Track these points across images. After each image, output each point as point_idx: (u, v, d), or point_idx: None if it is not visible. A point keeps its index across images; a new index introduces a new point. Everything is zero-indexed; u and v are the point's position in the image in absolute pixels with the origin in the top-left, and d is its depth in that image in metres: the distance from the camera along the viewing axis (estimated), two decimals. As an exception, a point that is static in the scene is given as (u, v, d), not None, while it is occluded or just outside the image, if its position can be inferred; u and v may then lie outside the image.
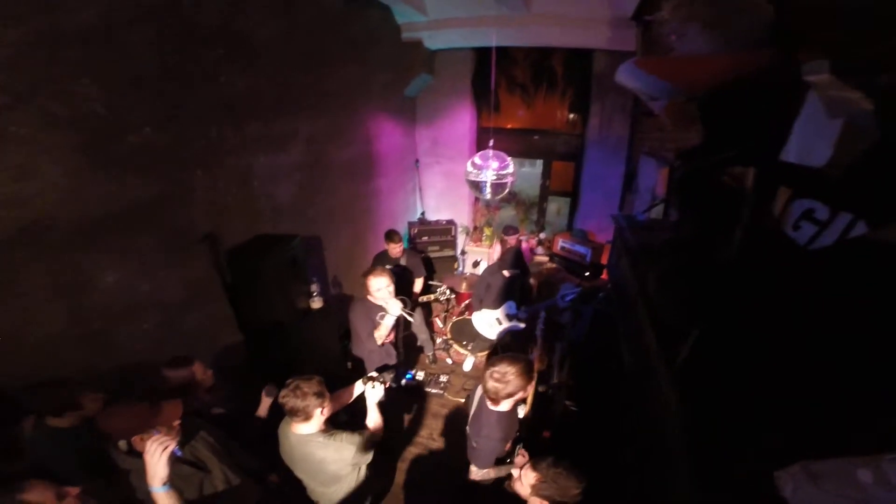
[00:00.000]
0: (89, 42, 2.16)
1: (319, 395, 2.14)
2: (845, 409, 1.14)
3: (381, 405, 2.56)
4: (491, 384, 2.27)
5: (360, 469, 2.40)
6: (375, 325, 3.32)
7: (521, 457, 2.45)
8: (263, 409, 2.67)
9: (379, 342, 3.36)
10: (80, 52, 2.13)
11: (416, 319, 4.61)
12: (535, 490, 1.90)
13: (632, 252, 2.47)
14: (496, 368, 2.28)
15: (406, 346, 4.95)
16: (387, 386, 2.59)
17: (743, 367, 1.33)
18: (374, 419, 2.50)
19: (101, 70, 2.23)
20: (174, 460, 1.70)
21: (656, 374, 1.65)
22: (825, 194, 1.30)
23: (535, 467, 1.94)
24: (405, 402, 4.35)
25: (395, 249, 4.59)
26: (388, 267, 4.00)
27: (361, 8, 4.55)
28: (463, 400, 4.41)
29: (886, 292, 1.10)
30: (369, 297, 3.31)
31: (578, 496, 1.83)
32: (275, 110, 3.54)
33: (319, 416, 2.17)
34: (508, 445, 2.50)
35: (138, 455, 1.78)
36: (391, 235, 4.56)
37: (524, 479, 1.95)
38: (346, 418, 2.72)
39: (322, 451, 2.18)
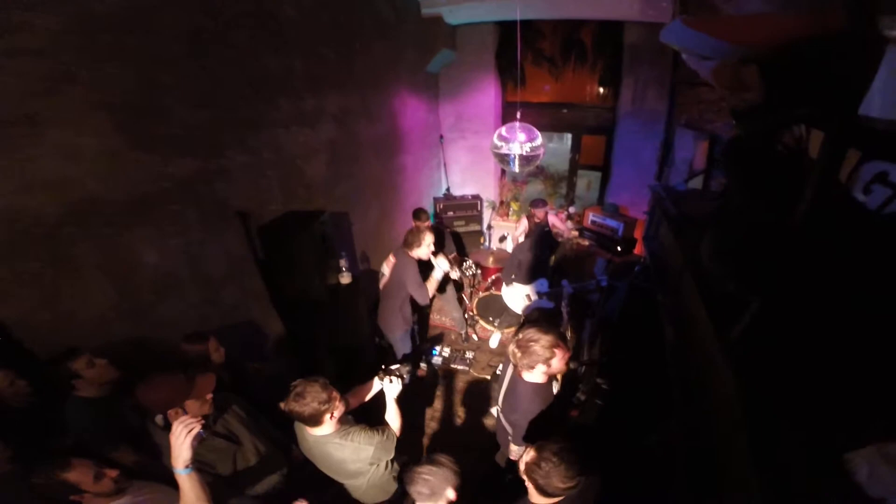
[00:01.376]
0: (120, 26, 2.16)
1: (325, 400, 1.97)
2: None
3: (404, 392, 2.48)
4: (512, 349, 2.24)
5: (381, 464, 2.30)
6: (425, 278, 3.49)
7: None
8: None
9: (431, 294, 3.51)
10: (112, 37, 2.13)
11: (447, 295, 4.63)
12: (526, 469, 1.80)
13: (674, 221, 2.36)
14: (523, 334, 2.22)
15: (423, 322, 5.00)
16: (405, 381, 2.45)
17: (807, 342, 1.25)
18: (393, 415, 2.39)
19: (134, 53, 2.24)
20: (202, 439, 1.69)
21: (705, 347, 1.57)
22: None
23: (538, 447, 1.81)
24: (431, 379, 4.39)
25: (422, 227, 4.56)
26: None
27: None
28: (489, 377, 4.41)
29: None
30: (407, 251, 3.45)
31: (564, 491, 1.71)
32: (305, 88, 3.53)
33: (330, 420, 2.03)
34: None
35: None
36: (418, 214, 4.58)
37: (525, 456, 1.85)
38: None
39: (339, 453, 2.10)
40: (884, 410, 1.09)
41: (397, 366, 2.48)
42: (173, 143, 2.50)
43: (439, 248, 4.68)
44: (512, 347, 2.24)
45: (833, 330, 1.24)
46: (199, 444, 1.66)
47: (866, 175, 1.27)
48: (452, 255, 3.91)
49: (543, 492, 1.74)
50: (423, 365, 4.38)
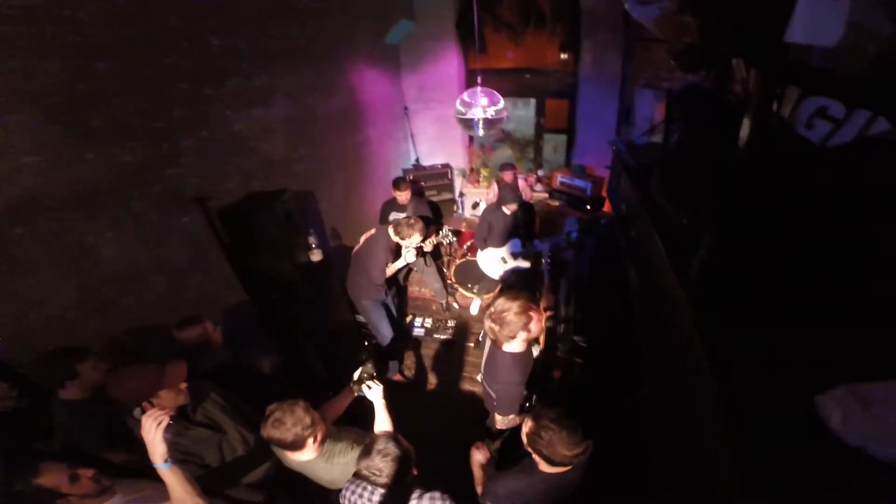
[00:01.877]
0: (40, 17, 2.03)
1: (308, 425, 1.84)
2: (877, 319, 1.06)
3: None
4: (488, 324, 2.15)
5: None
6: (391, 260, 3.56)
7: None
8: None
9: (388, 274, 3.60)
10: (33, 27, 2.01)
11: (427, 267, 4.69)
12: (528, 441, 1.76)
13: (633, 171, 2.40)
14: (492, 308, 2.15)
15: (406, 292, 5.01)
16: (376, 380, 2.30)
17: (762, 275, 1.28)
18: (384, 420, 2.21)
19: (56, 44, 2.10)
20: (178, 431, 1.67)
21: (666, 290, 1.61)
22: (838, 92, 1.23)
23: (534, 415, 1.77)
24: (415, 351, 4.43)
25: (403, 197, 4.60)
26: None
27: None
28: (472, 344, 4.47)
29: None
30: (390, 232, 3.47)
31: (570, 458, 1.67)
32: (253, 66, 3.41)
33: (313, 444, 1.89)
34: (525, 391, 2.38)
35: None
36: (398, 183, 4.56)
37: (524, 427, 1.81)
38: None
39: (328, 475, 2.00)
40: (850, 347, 1.05)
41: (359, 370, 2.34)
42: (114, 132, 2.39)
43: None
44: (488, 323, 2.16)
45: (788, 260, 1.28)
46: (177, 435, 1.63)
47: (807, 110, 1.30)
48: (429, 230, 3.92)
49: (551, 461, 1.71)
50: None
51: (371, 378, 2.28)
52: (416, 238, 3.44)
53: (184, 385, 1.97)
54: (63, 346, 2.05)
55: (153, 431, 1.59)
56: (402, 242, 3.50)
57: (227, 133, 3.19)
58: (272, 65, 3.62)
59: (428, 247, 4.10)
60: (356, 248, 3.74)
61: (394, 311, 4.12)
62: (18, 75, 1.97)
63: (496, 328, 2.13)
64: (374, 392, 2.24)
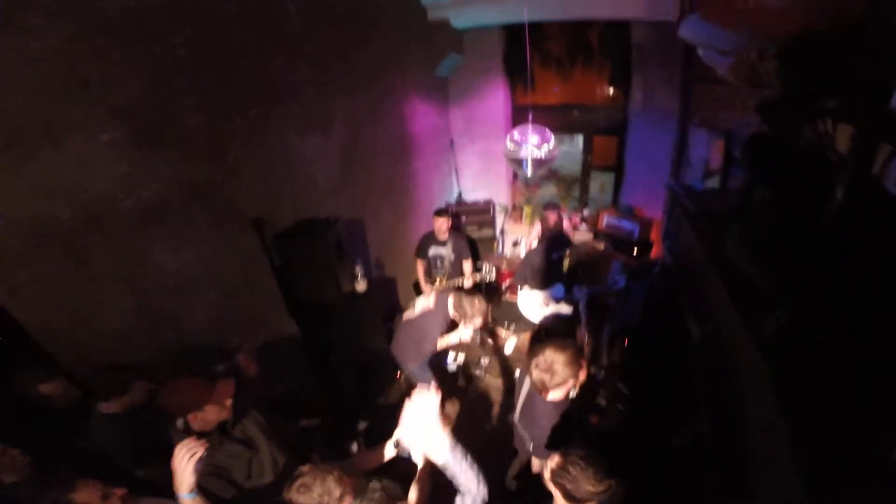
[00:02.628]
0: (127, 31, 2.19)
1: (336, 499, 1.65)
2: None
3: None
4: (537, 374, 2.11)
5: None
6: (445, 333, 3.34)
7: None
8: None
9: (437, 349, 3.36)
10: (121, 42, 2.16)
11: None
12: (552, 476, 1.73)
13: (695, 219, 2.32)
14: (541, 357, 2.12)
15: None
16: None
17: (846, 336, 1.20)
18: (415, 497, 1.99)
19: (143, 56, 2.26)
20: (214, 445, 1.70)
21: (735, 344, 1.53)
22: None
23: (563, 452, 1.75)
24: (447, 386, 4.34)
25: (443, 226, 4.45)
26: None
27: None
28: (495, 379, 4.36)
29: None
30: (450, 307, 3.22)
31: (595, 496, 1.63)
32: (314, 92, 3.54)
33: None
34: None
35: (193, 433, 1.82)
36: (440, 212, 4.46)
37: (549, 463, 1.79)
38: None
39: None
40: None
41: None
42: (185, 149, 2.53)
43: (462, 254, 4.65)
44: (536, 373, 2.12)
45: (870, 325, 1.20)
46: (212, 448, 1.65)
47: None
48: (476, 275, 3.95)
49: (572, 498, 1.68)
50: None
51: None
52: (477, 322, 3.18)
53: (229, 401, 2.00)
54: (119, 362, 2.13)
55: (185, 462, 1.60)
56: (459, 321, 3.22)
57: (286, 157, 3.31)
58: (330, 91, 3.74)
59: (467, 283, 4.06)
60: (410, 315, 3.48)
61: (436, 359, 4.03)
62: (109, 88, 2.11)
63: (546, 377, 2.08)
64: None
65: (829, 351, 1.19)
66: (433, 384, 2.93)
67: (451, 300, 3.22)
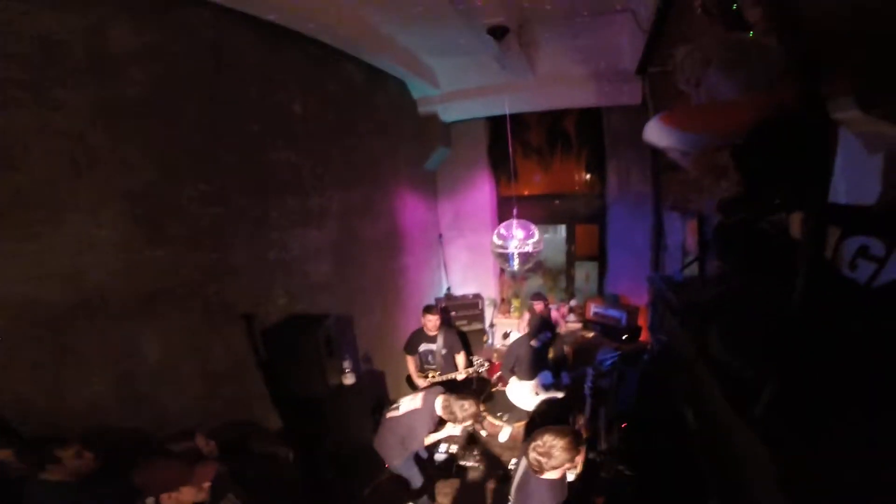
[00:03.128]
0: (143, 113, 2.33)
1: None
2: None
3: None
4: (534, 456, 2.22)
5: None
6: (432, 431, 3.31)
7: None
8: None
9: (425, 445, 3.34)
10: (136, 124, 2.29)
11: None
12: None
13: (678, 312, 2.40)
14: (539, 441, 2.25)
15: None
16: None
17: (827, 413, 1.23)
18: None
19: (155, 141, 2.39)
20: None
21: (732, 431, 1.54)
22: (876, 229, 1.27)
23: None
24: (440, 476, 4.12)
25: (432, 324, 4.47)
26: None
27: (383, 84, 4.89)
28: (500, 471, 4.15)
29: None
30: (438, 409, 3.24)
31: None
32: (311, 186, 3.72)
33: None
34: None
35: None
36: (430, 309, 4.50)
37: None
38: None
39: None
40: None
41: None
42: (186, 240, 2.59)
43: (454, 349, 4.62)
44: (534, 455, 2.23)
45: (847, 398, 1.23)
46: None
47: (849, 250, 1.33)
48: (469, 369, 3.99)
49: None
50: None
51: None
52: (467, 423, 3.19)
53: (207, 484, 2.00)
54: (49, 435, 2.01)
55: None
56: (448, 420, 3.21)
57: (281, 252, 3.39)
58: (327, 185, 3.92)
59: (461, 376, 4.02)
60: (394, 413, 3.45)
61: (423, 453, 3.88)
62: (120, 169, 2.19)
63: (543, 460, 2.20)
64: None
65: (817, 425, 1.22)
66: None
67: (439, 401, 3.22)
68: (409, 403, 3.40)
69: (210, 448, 2.47)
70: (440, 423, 3.32)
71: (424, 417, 3.26)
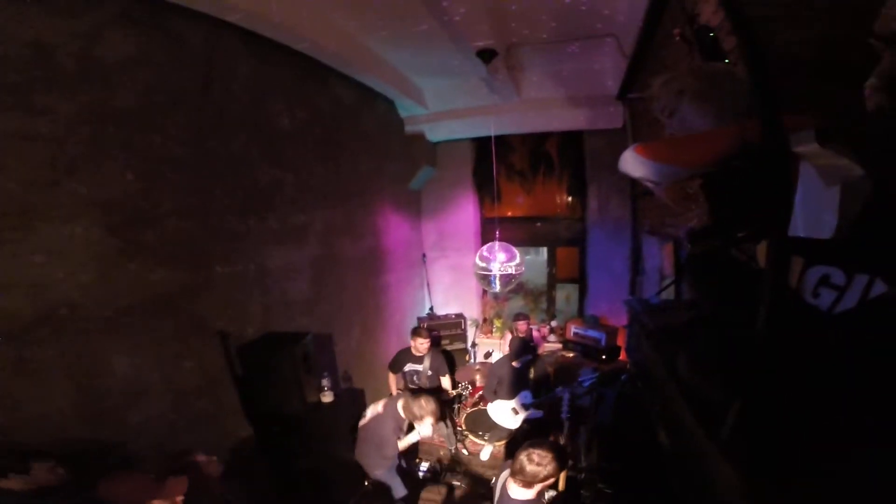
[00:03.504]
0: (128, 122, 2.31)
1: None
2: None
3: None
4: (531, 467, 2.28)
5: None
6: (401, 436, 3.35)
7: None
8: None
9: (400, 450, 3.36)
10: (120, 132, 2.26)
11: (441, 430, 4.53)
12: None
13: (652, 335, 2.45)
14: (536, 451, 2.30)
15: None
16: None
17: (790, 433, 1.28)
18: None
19: (137, 151, 2.36)
20: None
21: (700, 451, 1.58)
22: (837, 258, 1.33)
23: None
24: (420, 495, 4.07)
25: (422, 347, 4.47)
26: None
27: (371, 102, 4.95)
28: (482, 491, 4.13)
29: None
30: (400, 410, 3.32)
31: None
32: (293, 202, 3.71)
33: None
34: None
35: None
36: (418, 332, 4.50)
37: None
38: None
39: None
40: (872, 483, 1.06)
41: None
42: (160, 253, 2.53)
43: (440, 372, 4.62)
44: (522, 458, 2.30)
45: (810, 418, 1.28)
46: None
47: (812, 279, 1.39)
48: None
49: None
50: None
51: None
52: (428, 422, 3.24)
53: (180, 498, 1.92)
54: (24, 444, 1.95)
55: None
56: (414, 422, 3.30)
57: (259, 269, 3.36)
58: (308, 202, 3.91)
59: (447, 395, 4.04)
60: (363, 421, 3.56)
61: (403, 462, 3.87)
62: (97, 177, 2.14)
63: (539, 470, 2.27)
64: None
65: (781, 446, 1.26)
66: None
67: (400, 404, 3.32)
68: (372, 410, 3.49)
69: (213, 465, 2.37)
70: (410, 429, 3.41)
71: (388, 421, 3.34)
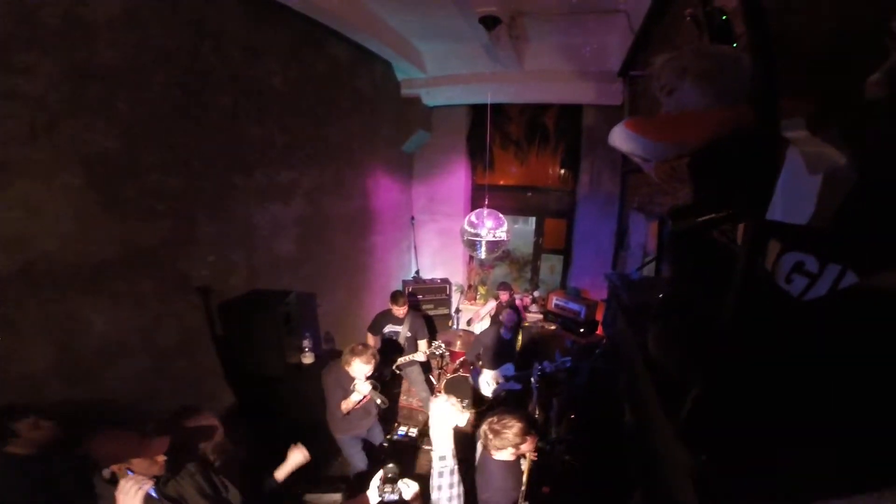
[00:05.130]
0: (112, 81, 2.26)
1: None
2: (849, 452, 1.11)
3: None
4: (484, 429, 2.38)
5: None
6: (345, 395, 3.23)
7: None
8: (283, 472, 2.50)
9: (345, 411, 3.25)
10: (103, 90, 2.22)
11: (415, 377, 4.56)
12: None
13: (628, 311, 2.48)
14: (495, 418, 2.38)
15: (395, 402, 4.85)
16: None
17: (749, 418, 1.31)
18: None
19: (121, 109, 2.32)
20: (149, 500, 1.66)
21: (659, 430, 1.62)
22: (813, 246, 1.33)
23: None
24: (399, 460, 4.19)
25: (400, 311, 4.49)
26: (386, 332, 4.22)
27: (368, 63, 4.83)
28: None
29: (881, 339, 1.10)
30: (345, 367, 3.20)
31: None
32: (282, 160, 3.65)
33: None
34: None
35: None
36: (396, 297, 4.50)
37: None
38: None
39: None
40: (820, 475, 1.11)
41: (379, 472, 2.22)
42: (143, 209, 2.51)
43: (419, 335, 4.63)
44: (484, 428, 2.39)
45: (767, 404, 1.31)
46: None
47: (787, 265, 1.40)
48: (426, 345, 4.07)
49: None
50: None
51: (396, 480, 2.17)
52: (357, 366, 3.13)
53: (161, 458, 1.92)
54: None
55: (133, 493, 1.61)
56: (352, 372, 3.19)
57: (245, 225, 3.34)
58: (298, 160, 3.86)
59: (421, 357, 4.08)
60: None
61: (376, 440, 3.85)
62: (78, 133, 2.11)
63: (490, 436, 2.35)
64: (409, 491, 2.16)
65: (737, 431, 1.29)
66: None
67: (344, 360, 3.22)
68: (325, 371, 3.41)
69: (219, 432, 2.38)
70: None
71: (330, 374, 3.28)
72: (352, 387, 3.20)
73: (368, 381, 3.21)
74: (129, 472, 1.70)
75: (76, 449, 1.88)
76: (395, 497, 2.16)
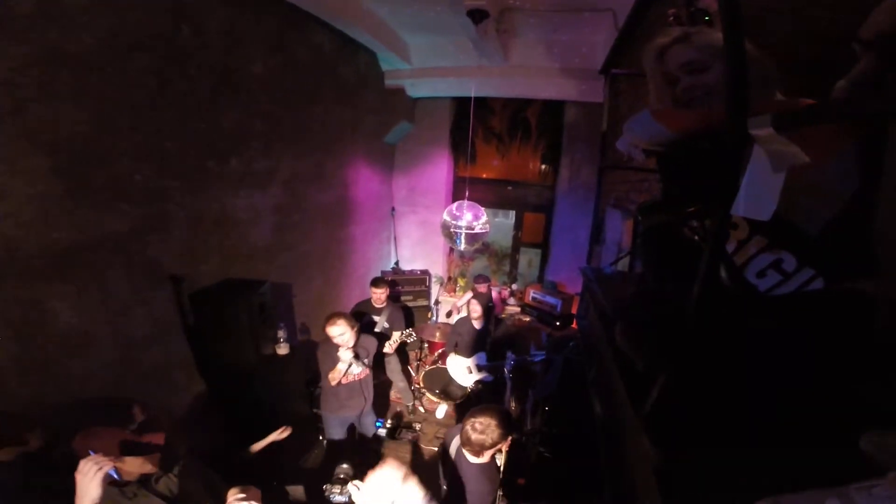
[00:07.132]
0: (85, 65, 2.19)
1: None
2: (807, 441, 1.14)
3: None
4: (475, 436, 2.28)
5: None
6: (333, 365, 3.33)
7: None
8: (260, 445, 2.54)
9: (332, 383, 3.34)
10: (75, 75, 2.15)
11: (393, 367, 4.62)
12: None
13: (599, 304, 2.51)
14: (478, 419, 2.30)
15: (379, 394, 4.84)
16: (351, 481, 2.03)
17: (711, 408, 1.34)
18: None
19: (92, 94, 2.24)
20: (115, 481, 1.63)
21: (626, 422, 1.65)
22: (797, 248, 1.36)
23: None
24: (378, 451, 4.22)
25: (379, 296, 4.52)
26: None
27: (352, 52, 4.77)
28: (436, 448, 4.31)
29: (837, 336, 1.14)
30: (329, 336, 3.30)
31: None
32: (260, 148, 3.59)
33: None
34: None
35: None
36: (377, 282, 4.54)
37: None
38: None
39: None
40: (781, 464, 1.15)
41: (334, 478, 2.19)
42: (112, 195, 2.44)
43: (394, 327, 4.62)
44: (475, 436, 2.28)
45: (731, 395, 1.35)
46: (125, 498, 1.62)
47: (765, 260, 1.43)
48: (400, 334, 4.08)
49: None
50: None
51: (348, 481, 2.08)
52: (334, 329, 3.21)
53: (156, 455, 1.92)
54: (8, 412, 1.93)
55: (91, 475, 1.53)
56: (337, 341, 3.27)
57: (219, 213, 3.27)
58: (276, 149, 3.80)
59: (387, 349, 4.10)
60: None
61: (368, 430, 3.90)
62: (46, 118, 2.05)
63: (483, 439, 2.26)
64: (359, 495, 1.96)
65: (699, 424, 1.32)
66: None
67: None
68: (319, 346, 3.53)
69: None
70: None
71: (321, 352, 3.42)
72: (337, 354, 3.27)
73: (350, 349, 3.28)
74: (91, 453, 1.64)
75: (55, 449, 1.83)
76: (343, 499, 2.12)
